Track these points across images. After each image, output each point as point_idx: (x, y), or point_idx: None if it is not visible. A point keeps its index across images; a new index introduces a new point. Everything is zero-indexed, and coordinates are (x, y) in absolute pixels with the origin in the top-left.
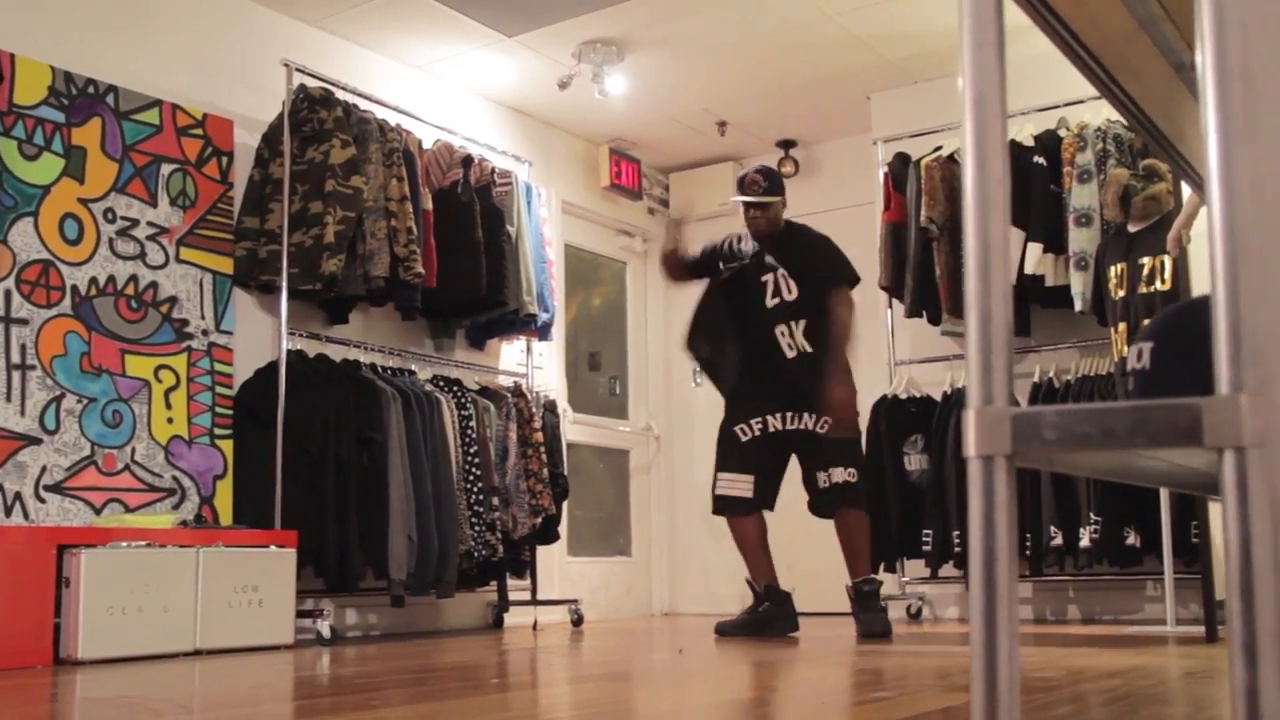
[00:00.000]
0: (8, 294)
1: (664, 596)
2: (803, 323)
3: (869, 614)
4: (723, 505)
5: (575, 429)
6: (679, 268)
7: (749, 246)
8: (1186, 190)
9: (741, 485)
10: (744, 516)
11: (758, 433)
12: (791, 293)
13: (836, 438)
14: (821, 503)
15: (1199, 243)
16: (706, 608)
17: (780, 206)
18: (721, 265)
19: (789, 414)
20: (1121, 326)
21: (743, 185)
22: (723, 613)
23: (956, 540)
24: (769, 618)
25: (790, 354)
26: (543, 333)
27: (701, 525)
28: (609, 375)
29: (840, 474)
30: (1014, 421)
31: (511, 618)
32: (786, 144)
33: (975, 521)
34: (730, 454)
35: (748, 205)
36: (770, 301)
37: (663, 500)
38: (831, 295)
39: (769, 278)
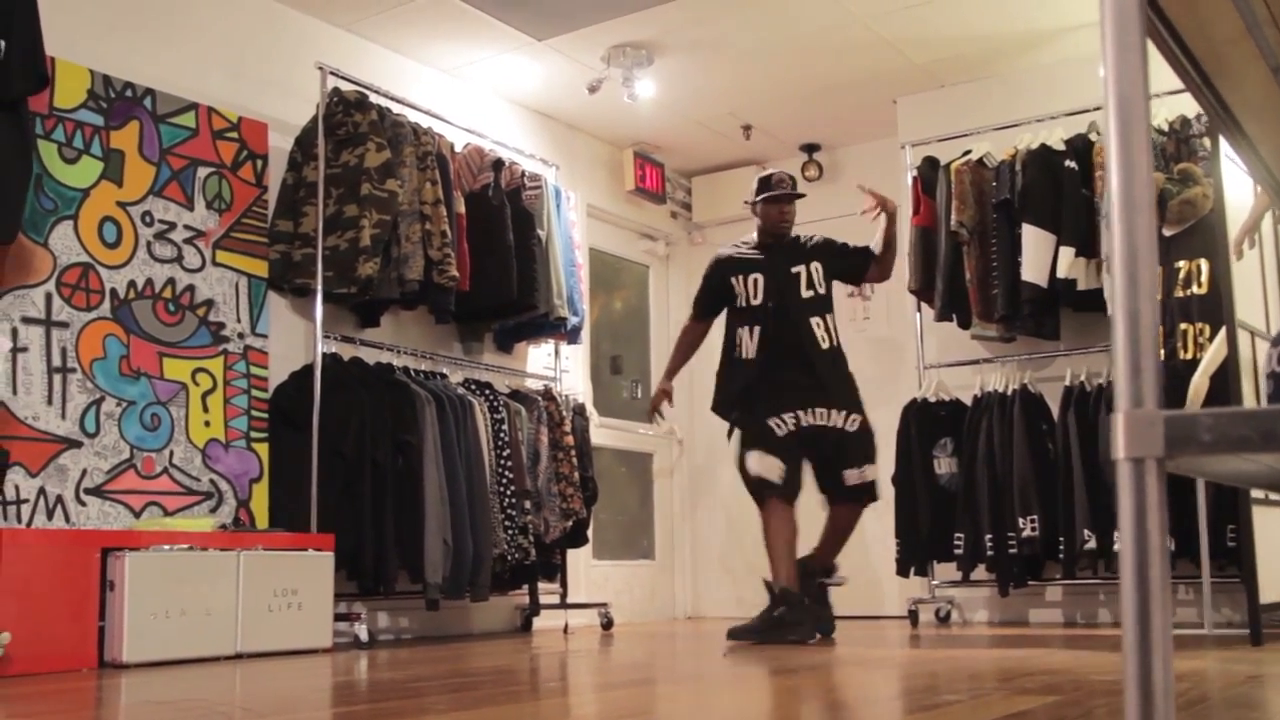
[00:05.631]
0: (48, 297)
1: (687, 600)
2: (829, 316)
3: (827, 610)
4: (761, 486)
5: (598, 432)
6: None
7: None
8: (1225, 195)
9: (774, 467)
10: (785, 506)
11: (791, 428)
12: (821, 287)
13: (864, 433)
14: (848, 498)
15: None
16: (730, 611)
17: None
18: (734, 280)
19: (819, 410)
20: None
21: (770, 184)
22: (746, 616)
23: (990, 543)
24: (785, 621)
25: (825, 345)
26: (572, 336)
27: (724, 528)
28: (631, 379)
29: (872, 471)
30: (1167, 424)
31: (540, 621)
32: (810, 148)
33: (1126, 525)
34: (760, 438)
35: (787, 200)
36: (805, 293)
37: (686, 504)
38: (873, 262)
39: (800, 269)
